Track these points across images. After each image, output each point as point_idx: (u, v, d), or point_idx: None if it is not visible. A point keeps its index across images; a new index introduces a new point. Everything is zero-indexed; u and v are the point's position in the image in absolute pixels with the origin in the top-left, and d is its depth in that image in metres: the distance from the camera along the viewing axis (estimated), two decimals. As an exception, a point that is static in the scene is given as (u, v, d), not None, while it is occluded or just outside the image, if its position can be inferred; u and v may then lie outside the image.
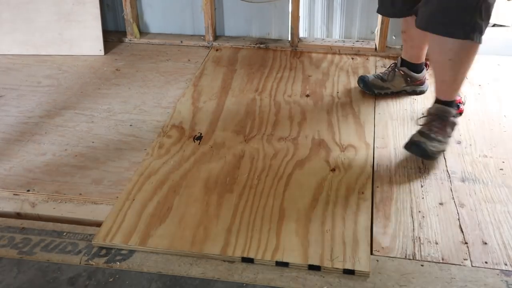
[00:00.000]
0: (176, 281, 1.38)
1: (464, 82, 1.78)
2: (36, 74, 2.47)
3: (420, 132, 1.74)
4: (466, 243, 1.48)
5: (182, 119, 2.08)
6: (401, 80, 2.14)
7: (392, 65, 2.17)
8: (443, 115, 1.76)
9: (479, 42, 1.62)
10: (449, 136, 1.78)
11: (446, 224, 1.55)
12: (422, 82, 2.17)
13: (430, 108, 1.81)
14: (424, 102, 2.19)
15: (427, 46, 1.99)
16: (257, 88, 2.29)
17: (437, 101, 1.81)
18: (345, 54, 2.59)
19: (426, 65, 2.16)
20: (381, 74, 2.17)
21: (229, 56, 2.61)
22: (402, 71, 2.13)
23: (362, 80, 2.17)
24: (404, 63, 2.13)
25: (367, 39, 2.67)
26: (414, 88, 2.17)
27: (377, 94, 2.15)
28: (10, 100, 2.28)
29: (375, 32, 2.60)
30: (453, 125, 1.79)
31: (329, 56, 2.58)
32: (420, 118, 1.86)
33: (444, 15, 1.62)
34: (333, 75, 2.40)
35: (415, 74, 2.13)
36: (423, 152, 1.70)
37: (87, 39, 2.63)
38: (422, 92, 2.17)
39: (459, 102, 2.08)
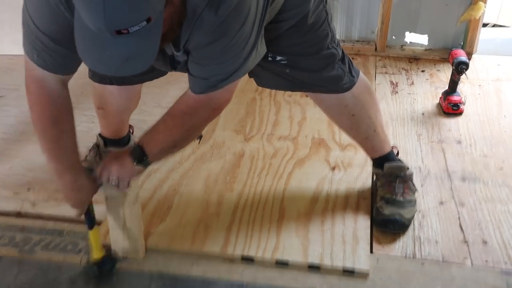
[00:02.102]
0: (177, 280, 1.38)
1: (384, 126, 1.60)
2: (37, 74, 2.47)
3: (387, 201, 1.53)
4: (466, 242, 1.48)
5: (182, 118, 2.08)
6: None
7: (93, 150, 1.78)
8: (399, 173, 1.58)
9: (357, 78, 1.48)
10: (416, 190, 1.60)
11: (446, 224, 1.55)
12: None
13: (378, 170, 1.62)
14: (424, 102, 2.20)
15: (128, 116, 1.75)
16: (257, 88, 2.28)
17: (378, 160, 1.61)
18: (345, 54, 2.60)
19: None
20: (88, 167, 1.75)
21: (229, 56, 2.61)
22: (109, 151, 1.73)
23: None
24: (108, 142, 1.76)
25: (367, 39, 2.67)
26: None
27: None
28: (11, 100, 2.28)
29: (375, 32, 2.60)
30: (411, 176, 1.61)
31: (329, 56, 2.58)
32: (376, 180, 1.65)
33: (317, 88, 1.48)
34: (333, 75, 2.40)
35: (123, 148, 1.76)
36: (401, 226, 1.50)
37: (88, 39, 2.63)
38: None
39: (460, 102, 2.08)
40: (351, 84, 1.47)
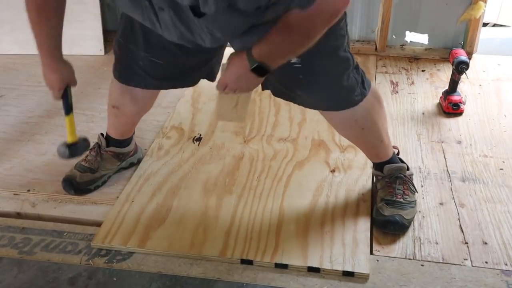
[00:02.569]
0: (176, 281, 1.38)
1: (388, 132, 1.60)
2: (37, 74, 2.44)
3: (387, 203, 1.53)
4: (466, 243, 1.48)
5: (182, 120, 2.08)
6: (114, 160, 1.77)
7: (94, 150, 1.77)
8: (398, 175, 1.58)
9: (368, 91, 1.45)
10: (416, 191, 1.60)
11: (446, 224, 1.55)
12: (135, 151, 1.85)
13: (378, 172, 1.62)
14: (424, 101, 2.19)
15: (139, 119, 1.76)
16: (257, 89, 2.28)
17: (380, 164, 1.62)
18: (345, 53, 2.59)
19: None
20: (86, 165, 1.74)
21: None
22: (111, 151, 1.76)
23: (70, 185, 1.70)
24: (111, 142, 1.77)
25: (367, 39, 2.67)
26: (130, 161, 1.83)
27: (94, 189, 1.73)
28: (11, 100, 2.28)
29: (375, 31, 2.59)
30: (411, 177, 1.62)
31: (329, 56, 2.57)
32: (376, 182, 1.66)
33: (330, 98, 1.45)
34: (333, 75, 2.40)
35: (125, 149, 1.78)
36: (401, 227, 1.50)
37: (88, 39, 2.63)
38: (139, 162, 1.84)
39: (460, 102, 2.08)
40: (362, 97, 1.43)
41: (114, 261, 1.45)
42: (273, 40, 1.20)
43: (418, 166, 1.79)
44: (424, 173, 1.76)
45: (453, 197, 1.65)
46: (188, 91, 2.29)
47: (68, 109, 1.55)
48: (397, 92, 2.27)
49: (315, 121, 2.04)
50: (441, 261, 1.42)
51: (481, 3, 2.39)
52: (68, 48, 2.57)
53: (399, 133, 1.98)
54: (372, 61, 2.52)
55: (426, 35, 2.58)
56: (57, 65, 1.47)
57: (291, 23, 1.16)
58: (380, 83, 2.34)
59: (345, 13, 1.34)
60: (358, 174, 1.74)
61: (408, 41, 2.61)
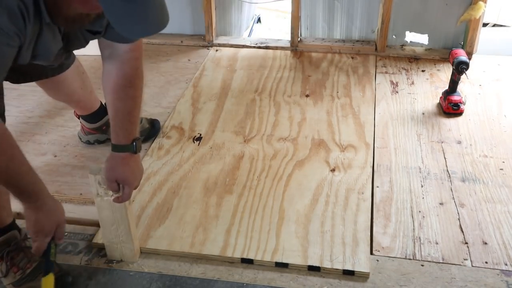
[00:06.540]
0: (176, 281, 1.38)
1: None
2: (36, 74, 2.47)
3: None
4: (466, 243, 1.48)
5: (182, 119, 2.08)
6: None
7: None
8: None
9: None
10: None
11: (446, 224, 1.55)
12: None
13: None
14: (424, 102, 2.19)
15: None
16: (257, 89, 2.29)
17: None
18: (345, 53, 2.59)
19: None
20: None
21: (229, 56, 2.61)
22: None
23: None
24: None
25: (367, 39, 2.67)
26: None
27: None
28: (11, 100, 2.28)
29: (375, 31, 2.60)
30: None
31: (329, 56, 2.58)
32: None
33: None
34: (333, 75, 2.40)
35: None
36: None
37: (87, 39, 2.63)
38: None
39: (460, 102, 2.08)
40: None
41: (114, 261, 1.45)
42: (133, 119, 1.33)
43: (418, 166, 1.79)
44: (424, 173, 1.76)
45: (453, 197, 1.65)
46: (188, 91, 2.30)
47: (49, 267, 1.18)
48: (397, 92, 2.28)
49: (315, 121, 2.04)
50: (441, 261, 1.42)
51: (481, 3, 2.39)
52: (68, 48, 2.61)
53: (399, 133, 1.98)
54: (372, 61, 2.52)
55: (426, 35, 2.58)
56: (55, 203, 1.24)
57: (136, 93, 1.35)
58: (380, 83, 2.34)
59: None
60: (358, 174, 1.74)
61: (408, 41, 2.61)
